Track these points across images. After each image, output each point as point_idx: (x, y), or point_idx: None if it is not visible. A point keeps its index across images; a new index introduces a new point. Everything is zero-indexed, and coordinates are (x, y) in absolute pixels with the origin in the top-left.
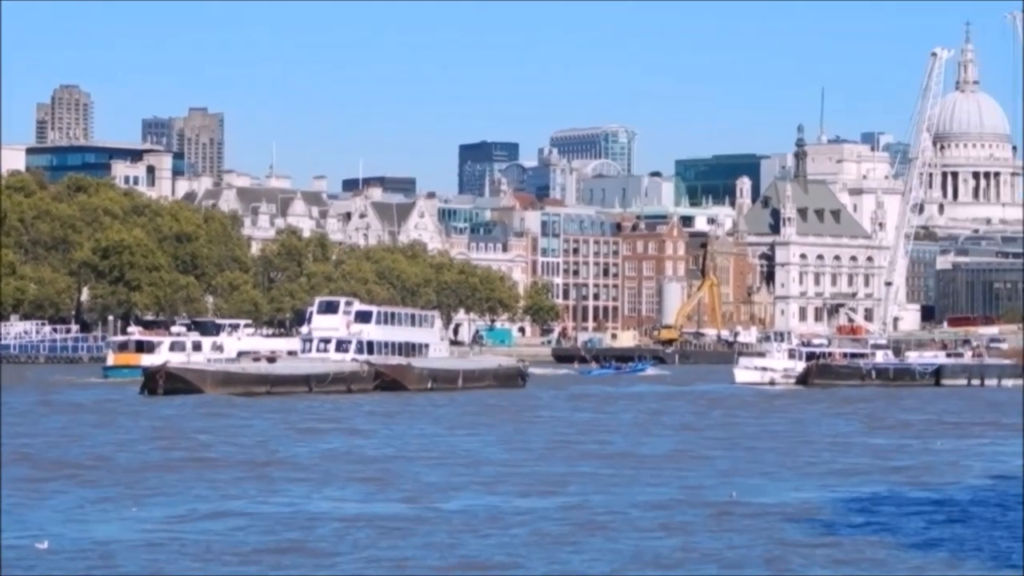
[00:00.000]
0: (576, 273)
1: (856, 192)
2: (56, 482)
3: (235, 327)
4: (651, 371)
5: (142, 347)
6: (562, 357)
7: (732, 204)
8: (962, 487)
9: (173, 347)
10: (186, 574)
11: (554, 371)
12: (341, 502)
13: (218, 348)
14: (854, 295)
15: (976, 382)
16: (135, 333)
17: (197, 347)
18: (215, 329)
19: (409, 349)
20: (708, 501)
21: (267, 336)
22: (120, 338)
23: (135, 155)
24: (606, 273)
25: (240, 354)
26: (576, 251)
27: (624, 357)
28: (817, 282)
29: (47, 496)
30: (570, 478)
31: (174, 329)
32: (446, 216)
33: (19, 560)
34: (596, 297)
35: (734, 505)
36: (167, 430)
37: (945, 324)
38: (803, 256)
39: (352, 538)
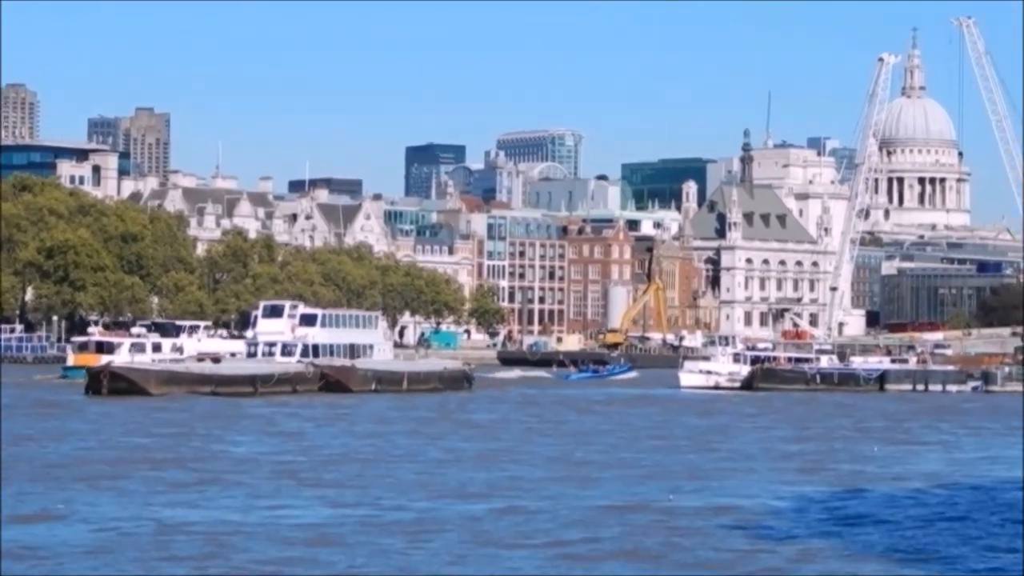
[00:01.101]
0: (522, 276)
1: (802, 197)
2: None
3: (195, 328)
4: (630, 375)
5: (102, 348)
6: (508, 360)
7: (678, 208)
8: (889, 491)
9: (133, 348)
10: None
11: (525, 373)
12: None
13: (178, 349)
14: (799, 300)
15: (920, 387)
16: (95, 334)
17: (157, 348)
18: (175, 331)
19: (354, 351)
20: (647, 503)
21: (226, 338)
22: (81, 339)
23: (81, 154)
24: (552, 276)
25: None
26: (522, 254)
27: (601, 360)
28: (762, 287)
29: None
30: (497, 482)
31: (134, 330)
32: (392, 218)
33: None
34: (542, 300)
35: (671, 507)
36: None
37: (887, 330)
38: (749, 261)
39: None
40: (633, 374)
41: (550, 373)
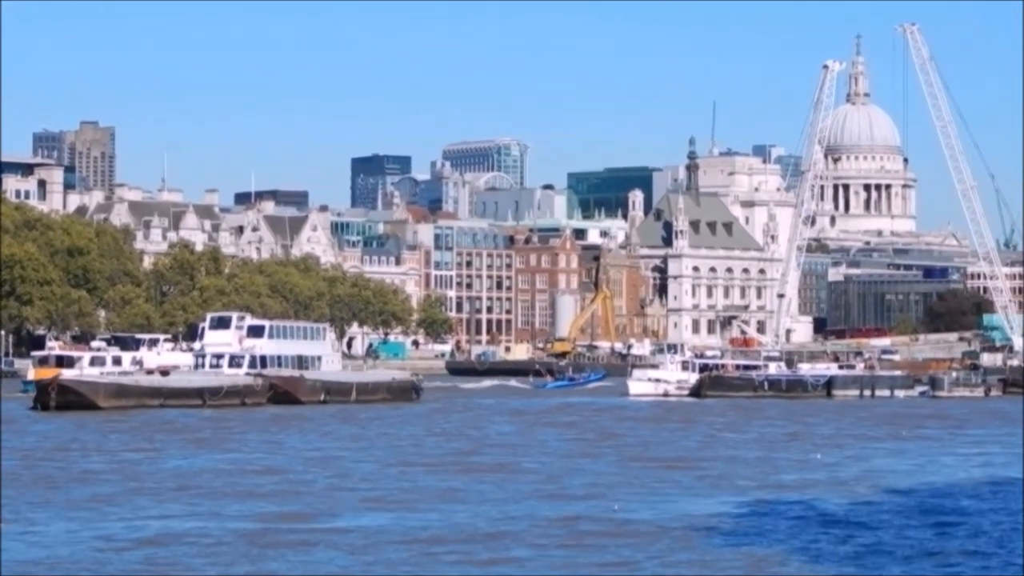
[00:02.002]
0: (469, 286)
1: (748, 204)
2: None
3: (155, 342)
4: (604, 382)
5: (62, 362)
6: (456, 370)
7: (625, 217)
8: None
9: (94, 362)
10: None
11: (501, 383)
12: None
13: (138, 363)
14: (746, 307)
15: (868, 393)
16: (55, 348)
17: (117, 361)
18: (135, 344)
19: (302, 362)
20: (594, 515)
21: (187, 351)
22: (41, 353)
23: (26, 169)
24: (499, 286)
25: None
26: (469, 264)
27: (578, 368)
28: (710, 294)
29: None
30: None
31: (94, 344)
32: (339, 229)
33: None
34: (489, 310)
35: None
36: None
37: (833, 337)
38: (696, 269)
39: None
40: (608, 382)
41: (526, 383)
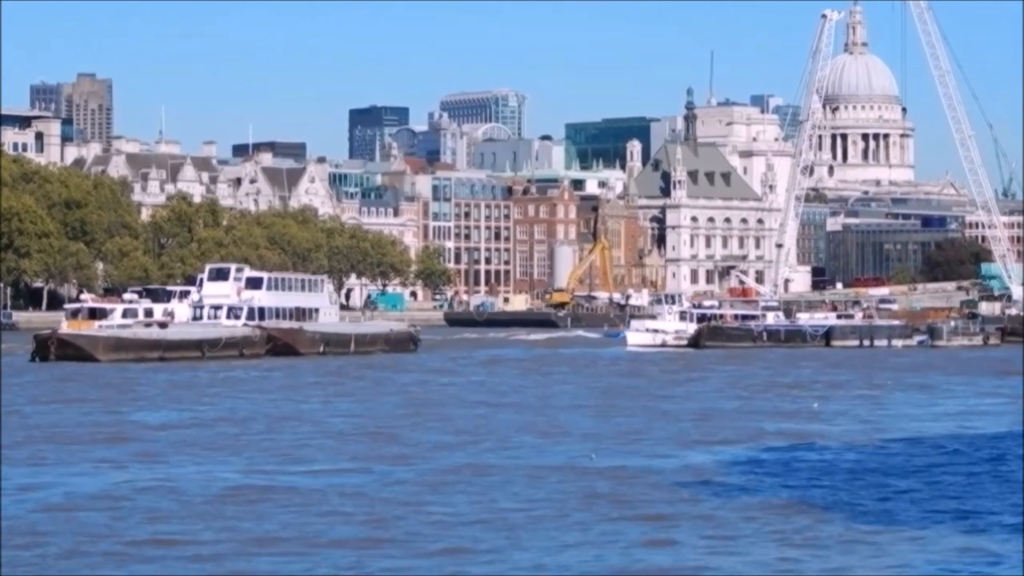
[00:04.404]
0: (467, 237)
1: (746, 155)
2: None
3: (185, 294)
4: None
5: (94, 314)
6: (454, 321)
7: (623, 167)
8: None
9: (126, 314)
10: None
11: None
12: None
13: (169, 314)
14: (745, 257)
15: (867, 343)
16: (87, 300)
17: (149, 313)
18: (166, 296)
19: (300, 314)
20: (571, 465)
21: None
22: (73, 305)
23: (23, 121)
24: (497, 237)
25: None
26: (467, 215)
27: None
28: (708, 245)
29: None
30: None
31: (126, 296)
32: (337, 181)
33: None
34: (488, 261)
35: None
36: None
37: (839, 285)
38: (694, 219)
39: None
40: None
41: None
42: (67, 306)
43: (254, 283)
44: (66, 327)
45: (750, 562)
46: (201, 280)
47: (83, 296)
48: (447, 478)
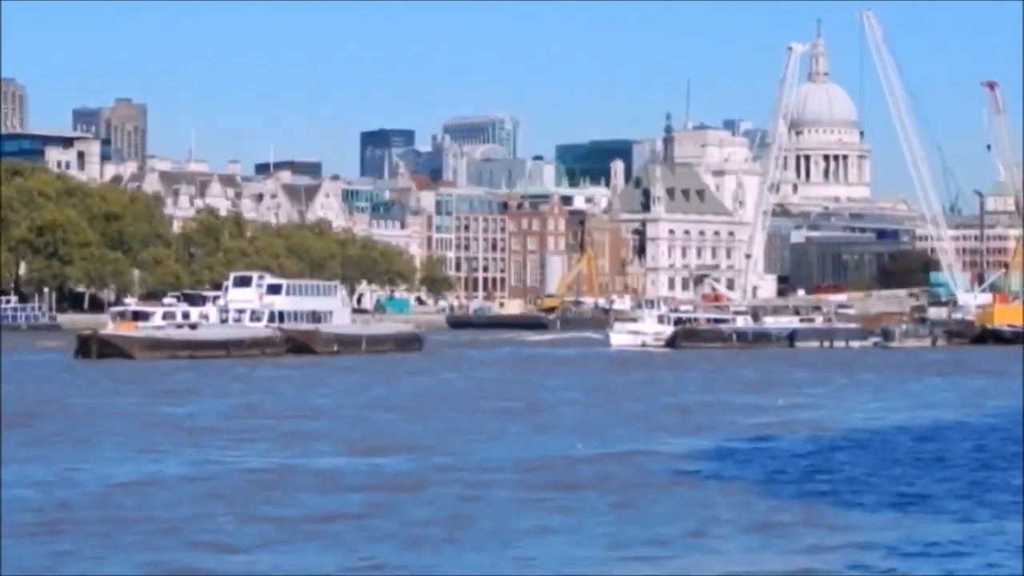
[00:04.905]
0: (467, 248)
1: (718, 173)
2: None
3: (219, 299)
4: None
5: (137, 316)
6: (456, 324)
7: (607, 185)
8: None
9: (165, 316)
10: None
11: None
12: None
13: (204, 317)
14: (717, 266)
15: (827, 344)
16: (131, 304)
17: (186, 316)
18: (201, 300)
19: (316, 317)
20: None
21: None
22: (118, 308)
23: (66, 142)
24: (494, 248)
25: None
26: (467, 228)
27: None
28: (684, 255)
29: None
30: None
31: (166, 300)
32: (349, 196)
33: None
34: (485, 269)
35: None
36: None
37: (801, 292)
38: (671, 231)
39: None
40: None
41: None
42: (113, 309)
43: (274, 289)
44: (111, 328)
45: (720, 538)
46: (227, 286)
47: (127, 300)
48: (432, 476)
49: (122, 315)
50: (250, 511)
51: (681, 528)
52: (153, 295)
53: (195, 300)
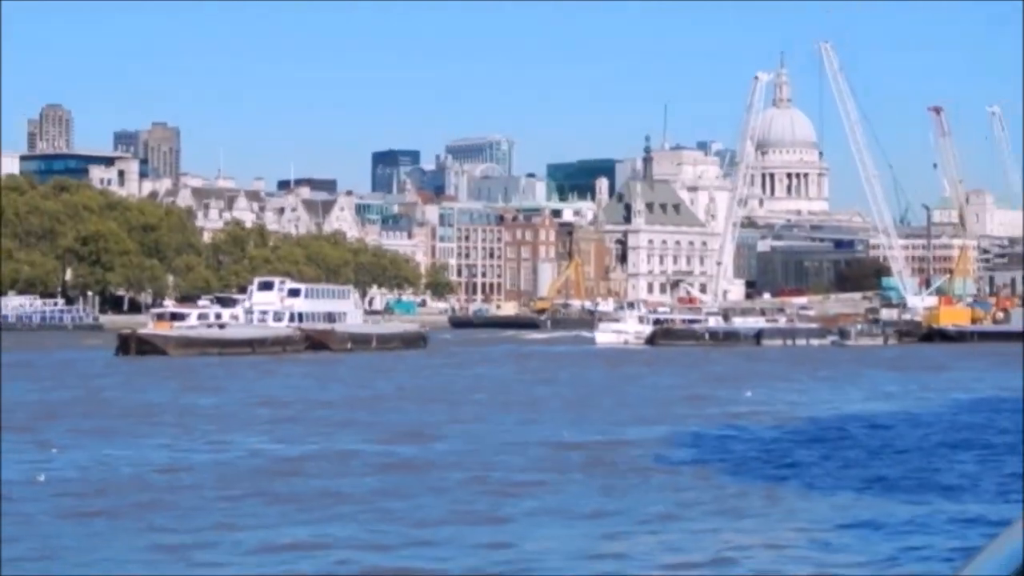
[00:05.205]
0: (467, 256)
1: (692, 189)
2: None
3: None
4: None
5: (175, 317)
6: (457, 323)
7: (593, 199)
8: (766, 427)
9: (200, 317)
10: None
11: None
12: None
13: (235, 317)
14: (691, 272)
15: (789, 342)
16: (170, 306)
17: (218, 317)
18: (232, 303)
19: (331, 317)
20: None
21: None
22: (158, 310)
23: (108, 161)
24: (491, 256)
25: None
26: (467, 238)
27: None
28: (661, 262)
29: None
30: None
31: (200, 302)
32: (361, 210)
33: (21, 488)
34: (483, 275)
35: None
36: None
37: (767, 295)
38: (650, 241)
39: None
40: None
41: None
42: (153, 310)
43: (294, 293)
44: (152, 327)
45: (692, 519)
46: (252, 290)
47: (166, 303)
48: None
49: (161, 316)
50: (270, 490)
51: (657, 508)
52: (187, 298)
53: (227, 302)
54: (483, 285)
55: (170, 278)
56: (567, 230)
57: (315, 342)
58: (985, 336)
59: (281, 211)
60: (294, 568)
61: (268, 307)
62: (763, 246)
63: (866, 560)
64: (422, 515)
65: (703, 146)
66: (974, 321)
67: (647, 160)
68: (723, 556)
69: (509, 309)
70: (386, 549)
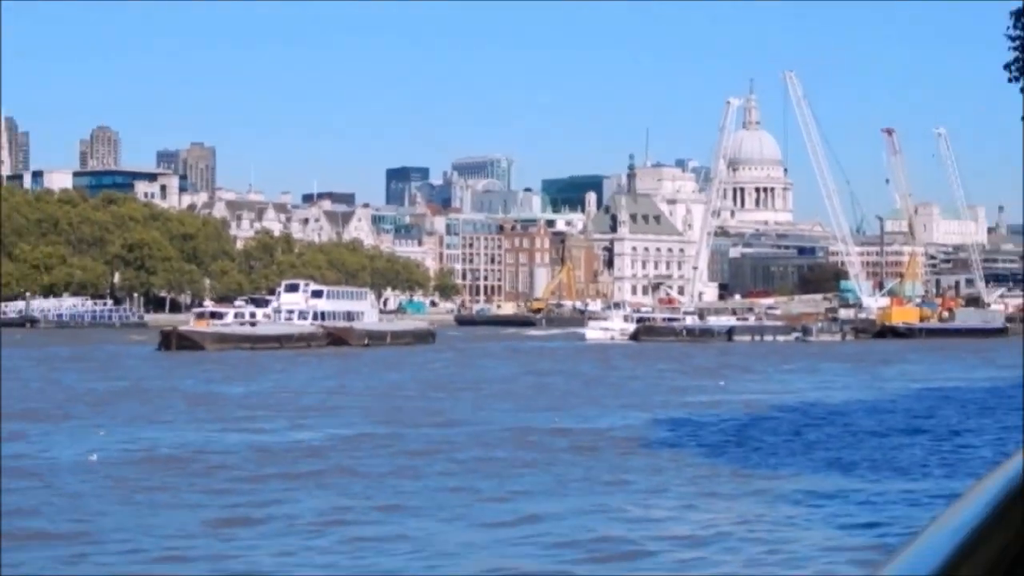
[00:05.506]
0: (471, 261)
1: (671, 202)
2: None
3: None
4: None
5: (214, 315)
6: (462, 321)
7: (583, 211)
8: (738, 414)
9: (236, 315)
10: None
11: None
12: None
13: (266, 316)
14: (670, 276)
15: (758, 338)
16: (209, 306)
17: (253, 316)
18: (266, 303)
19: (350, 316)
20: (536, 427)
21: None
22: (200, 309)
23: (151, 177)
24: (492, 261)
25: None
26: (471, 245)
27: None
28: (644, 267)
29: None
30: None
31: (237, 302)
32: (377, 220)
33: (76, 466)
34: (485, 278)
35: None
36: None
37: (738, 296)
38: (634, 248)
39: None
40: None
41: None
42: (195, 310)
43: (317, 294)
44: (193, 324)
45: (668, 494)
46: (279, 292)
47: (206, 303)
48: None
49: (201, 314)
50: (295, 469)
51: (639, 484)
52: (223, 299)
53: (258, 303)
54: (485, 287)
55: (206, 281)
56: (560, 238)
57: (336, 338)
58: (932, 333)
59: (305, 221)
60: (323, 536)
61: (294, 307)
62: (734, 253)
63: (824, 530)
64: (436, 484)
65: (681, 164)
66: (922, 319)
67: (631, 176)
68: (696, 521)
69: (508, 309)
70: (402, 510)
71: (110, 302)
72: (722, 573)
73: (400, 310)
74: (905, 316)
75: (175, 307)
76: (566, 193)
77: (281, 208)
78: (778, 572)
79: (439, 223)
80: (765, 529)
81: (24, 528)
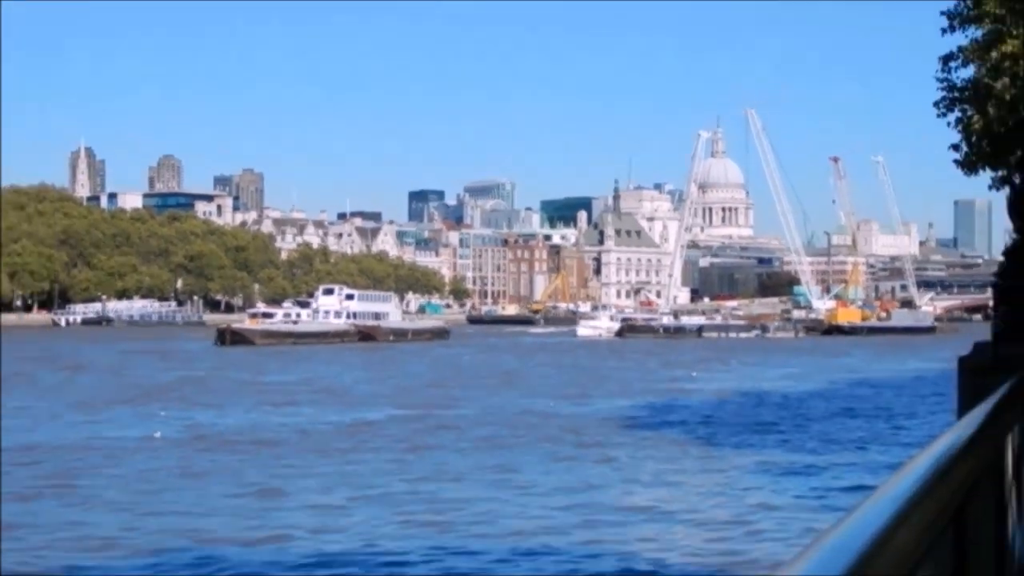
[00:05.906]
0: (480, 270)
1: (651, 219)
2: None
3: None
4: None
5: (266, 315)
6: (473, 321)
7: (576, 227)
8: (706, 401)
9: (285, 315)
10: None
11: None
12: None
13: (309, 316)
14: (649, 282)
15: (723, 335)
16: (261, 307)
17: (298, 315)
18: (306, 304)
19: (377, 316)
20: (532, 411)
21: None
22: (253, 310)
23: (209, 198)
24: (498, 270)
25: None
26: (480, 256)
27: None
28: (627, 274)
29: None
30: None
31: (285, 304)
32: (400, 235)
33: (141, 445)
34: (492, 284)
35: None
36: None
37: (707, 299)
38: (618, 259)
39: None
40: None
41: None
42: (249, 310)
43: (350, 297)
44: (247, 323)
45: (648, 460)
46: (318, 295)
47: (259, 304)
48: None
49: (254, 314)
50: (328, 446)
51: (621, 458)
52: (272, 301)
53: (304, 305)
54: (492, 292)
55: (256, 287)
56: (556, 250)
57: (365, 335)
58: (872, 331)
59: (340, 236)
60: (358, 495)
61: (330, 308)
62: (704, 262)
63: (776, 495)
64: (447, 458)
65: (658, 187)
66: (863, 320)
67: (616, 197)
68: (669, 484)
69: (512, 310)
70: (423, 479)
71: (174, 304)
72: (691, 531)
73: (420, 311)
74: (849, 316)
75: (229, 308)
76: (561, 211)
77: (319, 224)
78: (736, 527)
79: (453, 237)
80: (727, 494)
81: (94, 495)
